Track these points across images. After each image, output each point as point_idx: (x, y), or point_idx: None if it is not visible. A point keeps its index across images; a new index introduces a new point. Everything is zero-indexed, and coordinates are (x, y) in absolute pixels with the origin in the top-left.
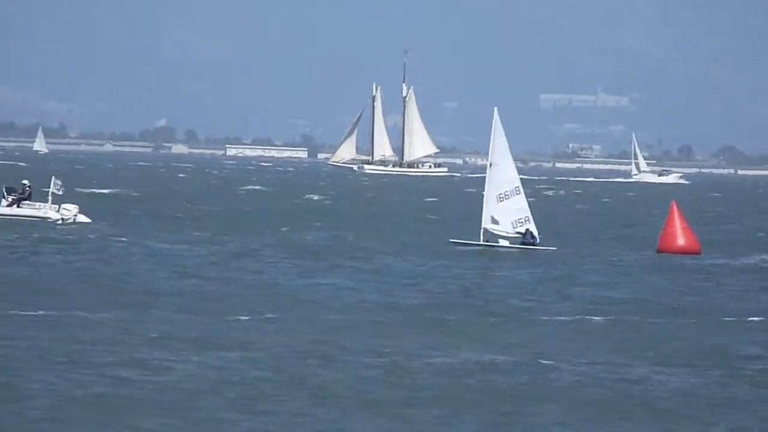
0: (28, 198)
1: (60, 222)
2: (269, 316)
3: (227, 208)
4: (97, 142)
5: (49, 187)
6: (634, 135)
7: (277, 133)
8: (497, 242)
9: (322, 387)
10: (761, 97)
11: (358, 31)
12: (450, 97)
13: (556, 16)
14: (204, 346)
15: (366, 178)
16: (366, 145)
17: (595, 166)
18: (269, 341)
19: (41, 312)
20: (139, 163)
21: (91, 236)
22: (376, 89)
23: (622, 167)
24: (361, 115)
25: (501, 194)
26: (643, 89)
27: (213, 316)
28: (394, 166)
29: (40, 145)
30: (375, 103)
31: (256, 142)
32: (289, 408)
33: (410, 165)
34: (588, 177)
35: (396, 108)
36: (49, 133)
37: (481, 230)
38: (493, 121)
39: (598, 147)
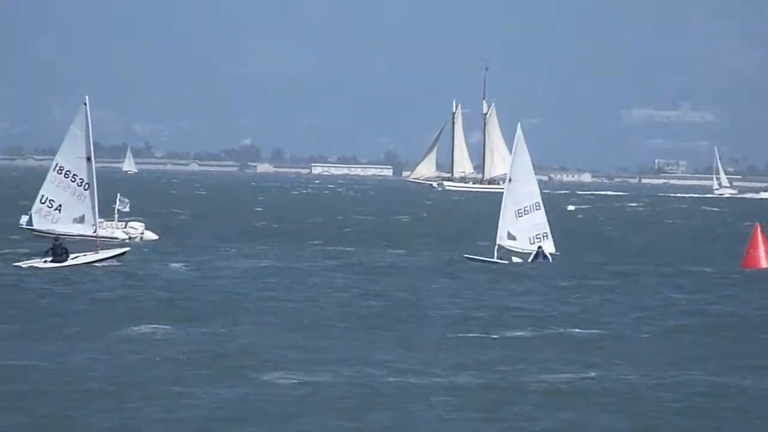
0: None
1: (127, 240)
2: None
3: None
4: (182, 161)
5: (116, 205)
6: (716, 150)
7: (362, 151)
8: (510, 259)
9: None
10: None
11: (439, 47)
12: (532, 114)
13: (639, 31)
14: None
15: (455, 196)
16: (447, 162)
17: (681, 182)
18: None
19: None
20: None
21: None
22: (456, 106)
23: (707, 182)
24: (441, 132)
25: (521, 209)
26: (728, 104)
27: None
28: (474, 183)
29: (129, 165)
30: (455, 120)
31: (341, 160)
32: None
33: (491, 182)
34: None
35: (479, 125)
36: (134, 153)
37: (496, 247)
38: (516, 137)
39: (684, 162)
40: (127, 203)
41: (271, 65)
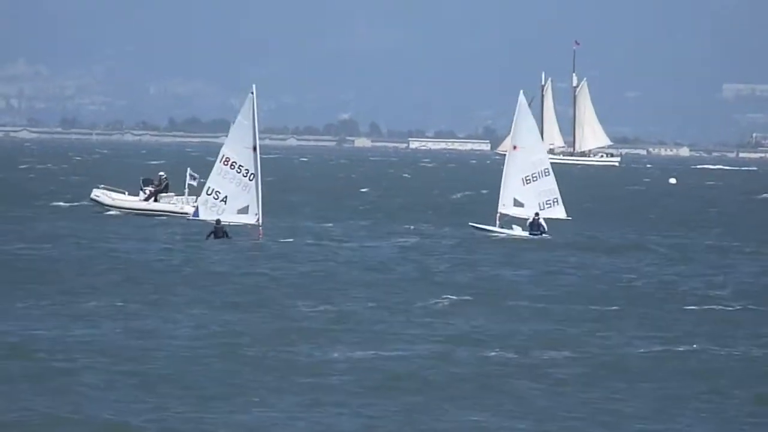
0: (165, 190)
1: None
2: None
3: None
4: (280, 136)
5: (186, 179)
6: None
7: (460, 126)
8: (511, 228)
9: None
10: None
11: (533, 21)
12: (632, 87)
13: (740, 4)
14: None
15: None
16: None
17: None
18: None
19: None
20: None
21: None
22: (546, 79)
23: None
24: (530, 105)
25: (528, 176)
26: None
27: None
28: (564, 156)
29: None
30: (545, 93)
31: (439, 135)
32: None
33: (582, 154)
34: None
35: (571, 98)
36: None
37: (497, 215)
38: (518, 104)
39: None
40: (198, 178)
41: (371, 40)
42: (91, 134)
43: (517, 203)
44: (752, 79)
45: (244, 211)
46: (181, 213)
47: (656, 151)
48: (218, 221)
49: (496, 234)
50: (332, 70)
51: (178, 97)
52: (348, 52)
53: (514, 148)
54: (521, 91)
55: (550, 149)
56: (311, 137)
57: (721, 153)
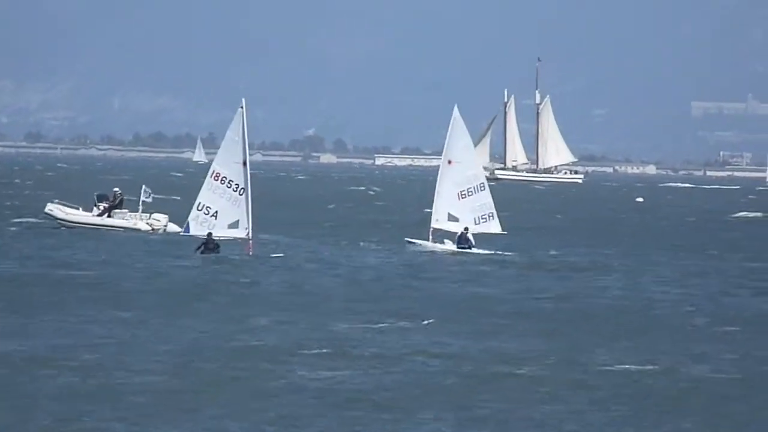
0: (119, 206)
1: (150, 232)
2: None
3: None
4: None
5: (141, 196)
6: None
7: (426, 142)
8: (443, 242)
9: None
10: None
11: (499, 38)
12: (600, 105)
13: (709, 23)
14: None
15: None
16: (500, 152)
17: (746, 174)
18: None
19: None
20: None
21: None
22: (509, 96)
23: None
24: (493, 121)
25: (463, 191)
26: None
27: None
28: (527, 173)
29: (199, 155)
30: (507, 110)
31: (405, 151)
32: None
33: (545, 171)
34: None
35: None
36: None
37: (430, 230)
38: (452, 118)
39: (749, 155)
40: (151, 194)
41: (337, 56)
42: (56, 148)
43: (452, 218)
44: (720, 97)
45: (235, 225)
46: (134, 229)
47: (623, 169)
48: (209, 234)
49: (428, 249)
50: (299, 85)
51: (144, 112)
52: (315, 67)
53: (449, 162)
54: (455, 106)
55: (513, 166)
56: (277, 153)
57: (689, 171)
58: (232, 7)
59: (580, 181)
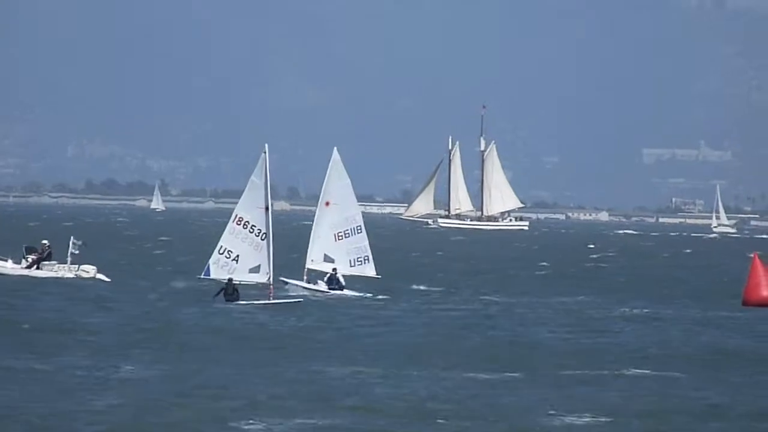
0: (48, 258)
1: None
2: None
3: None
4: (198, 199)
5: (69, 248)
6: (718, 187)
7: (380, 190)
8: (316, 283)
9: None
10: None
11: (451, 86)
12: (552, 152)
13: (661, 68)
14: None
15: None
16: (445, 199)
17: (699, 221)
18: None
19: None
20: None
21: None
22: (453, 144)
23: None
24: (437, 169)
25: (340, 232)
26: (746, 142)
27: None
28: (472, 221)
29: (157, 203)
30: (452, 157)
31: (358, 198)
32: None
33: (489, 219)
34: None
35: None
36: (150, 191)
37: (305, 270)
38: (331, 161)
39: (701, 201)
40: (80, 245)
41: (288, 102)
42: (8, 197)
43: (328, 258)
44: (672, 144)
45: (256, 270)
46: (63, 279)
47: (575, 215)
48: (230, 279)
49: (302, 288)
50: (249, 131)
51: (96, 159)
52: (265, 113)
53: (326, 204)
54: (335, 149)
55: (456, 214)
56: (229, 200)
57: (641, 218)
58: (182, 59)
59: (526, 228)
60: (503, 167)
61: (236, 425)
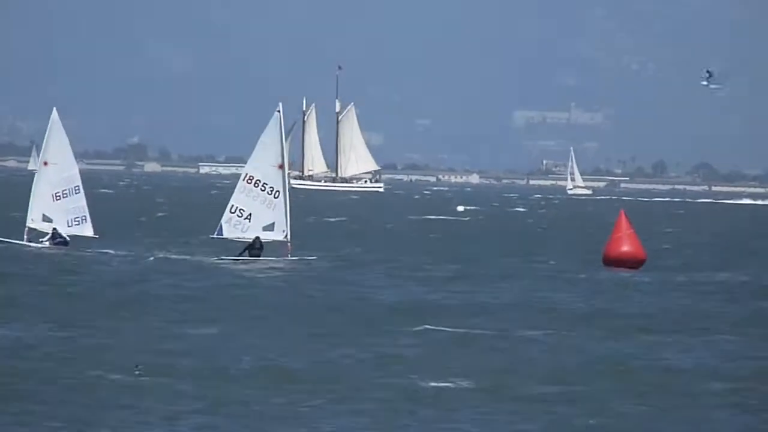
0: None
1: None
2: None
3: None
4: None
5: None
6: (572, 150)
7: (249, 150)
8: (39, 242)
9: None
10: (735, 113)
11: (324, 49)
12: (423, 115)
13: (532, 32)
14: None
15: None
16: (299, 161)
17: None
18: None
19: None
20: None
21: None
22: (308, 106)
23: (595, 183)
24: (291, 131)
25: (58, 192)
26: (618, 105)
27: None
28: (325, 182)
29: (34, 164)
30: (306, 119)
31: (229, 159)
32: None
33: (344, 181)
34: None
35: (372, 124)
36: (21, 151)
37: (26, 229)
38: (50, 120)
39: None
40: None
41: (160, 64)
42: None
43: (46, 218)
44: (543, 106)
45: (270, 228)
46: None
47: (446, 178)
48: (257, 238)
49: (25, 246)
50: (121, 93)
51: None
52: (137, 75)
53: (45, 164)
54: (54, 108)
55: (309, 175)
56: (100, 161)
57: (512, 180)
58: (54, 19)
59: (381, 190)
60: (373, 130)
61: None
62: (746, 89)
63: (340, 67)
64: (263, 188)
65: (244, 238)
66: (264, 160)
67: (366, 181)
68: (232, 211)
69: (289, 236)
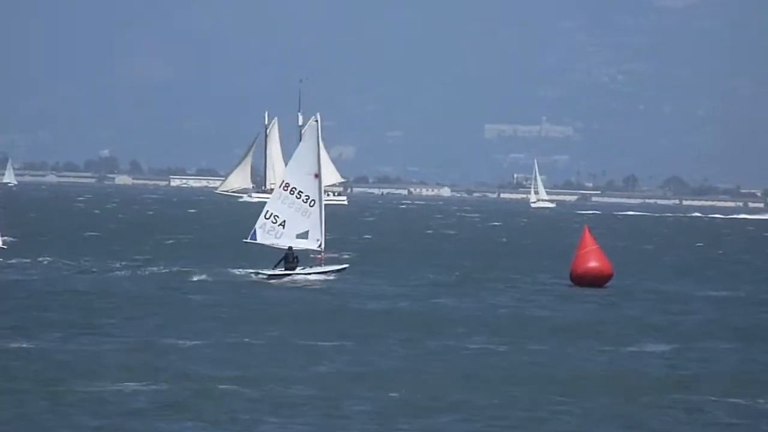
0: None
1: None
2: None
3: None
4: (39, 173)
5: None
6: (536, 162)
7: (222, 164)
8: None
9: None
10: (707, 127)
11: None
12: (394, 127)
13: (504, 46)
14: None
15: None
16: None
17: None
18: None
19: None
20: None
21: None
22: (270, 119)
23: (567, 198)
24: (254, 144)
25: None
26: (589, 118)
27: None
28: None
29: (9, 177)
30: (269, 133)
31: (201, 172)
32: None
33: None
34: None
35: (343, 137)
36: None
37: None
38: None
39: (543, 177)
40: None
41: (132, 76)
42: None
43: None
44: (514, 119)
45: (304, 236)
46: None
47: (418, 191)
48: (290, 248)
49: None
50: (92, 106)
51: None
52: (108, 88)
53: None
54: None
55: (271, 188)
56: (71, 174)
57: (483, 193)
58: (28, 32)
59: (345, 202)
60: (345, 143)
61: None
62: (718, 102)
63: (301, 80)
64: (299, 196)
65: (277, 244)
66: (300, 168)
67: (329, 194)
68: (267, 216)
69: (323, 246)
